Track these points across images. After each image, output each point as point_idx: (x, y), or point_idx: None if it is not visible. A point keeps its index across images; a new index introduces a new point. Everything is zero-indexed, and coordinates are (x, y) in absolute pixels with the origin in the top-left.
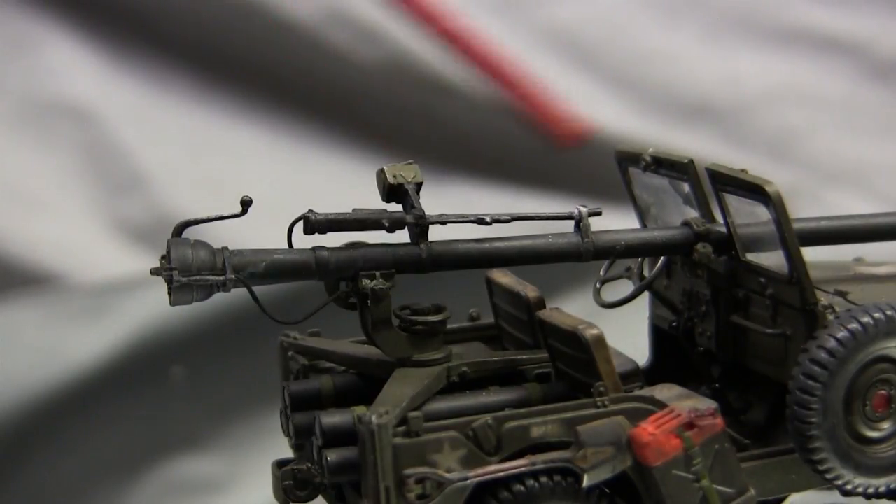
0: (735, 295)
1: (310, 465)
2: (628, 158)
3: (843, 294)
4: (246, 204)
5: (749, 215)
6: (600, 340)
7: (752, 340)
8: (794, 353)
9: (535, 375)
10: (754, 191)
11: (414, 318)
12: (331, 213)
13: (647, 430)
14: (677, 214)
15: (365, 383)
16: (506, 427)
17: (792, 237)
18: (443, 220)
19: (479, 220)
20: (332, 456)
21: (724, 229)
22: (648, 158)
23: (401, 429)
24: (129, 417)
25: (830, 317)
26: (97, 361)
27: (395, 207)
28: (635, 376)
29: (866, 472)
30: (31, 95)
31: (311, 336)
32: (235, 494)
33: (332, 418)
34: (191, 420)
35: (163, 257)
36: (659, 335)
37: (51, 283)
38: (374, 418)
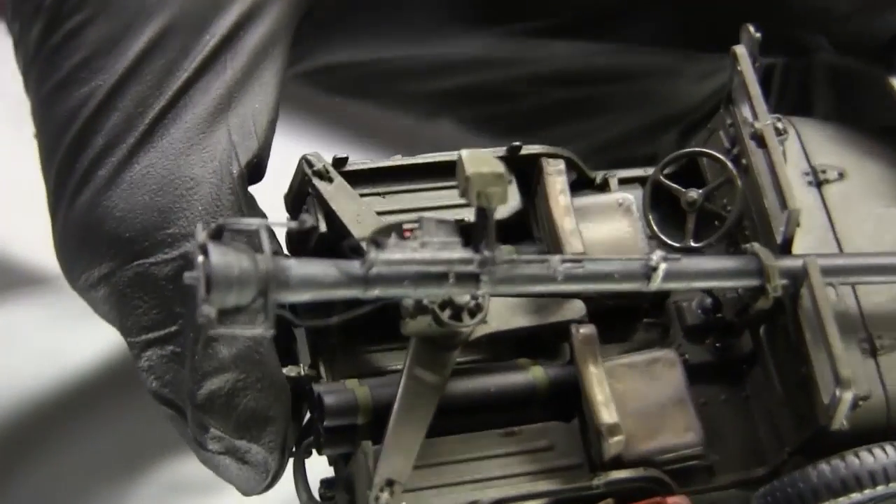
0: None
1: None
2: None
3: None
4: (303, 222)
5: None
6: None
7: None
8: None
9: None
10: None
11: (451, 322)
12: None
13: None
14: None
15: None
16: None
17: None
18: (511, 278)
19: (549, 278)
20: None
21: None
22: None
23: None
24: (129, 417)
25: None
26: (97, 361)
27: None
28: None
29: None
30: None
31: (338, 165)
32: (235, 494)
33: (333, 398)
34: None
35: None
36: None
37: (51, 283)
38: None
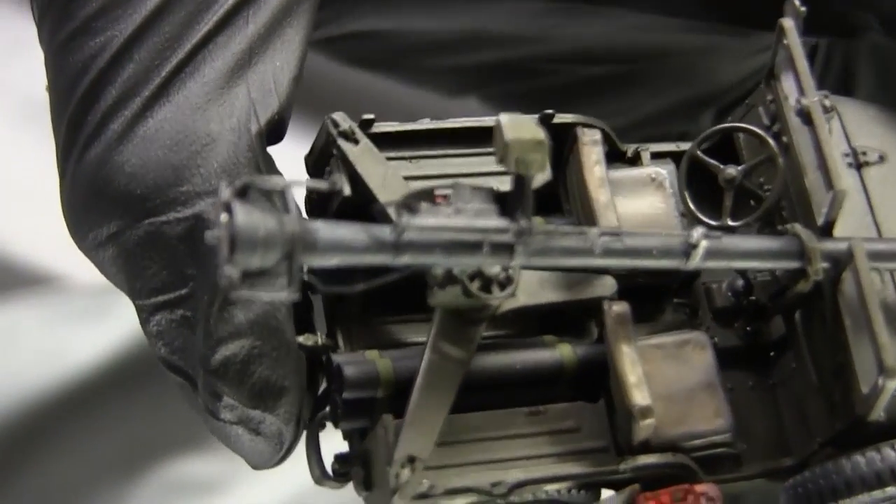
0: None
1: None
2: None
3: None
4: (334, 184)
5: None
6: None
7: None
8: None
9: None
10: None
11: (481, 294)
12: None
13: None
14: None
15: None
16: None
17: None
18: (548, 250)
19: (587, 251)
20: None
21: None
22: None
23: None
24: (129, 417)
25: None
26: (98, 361)
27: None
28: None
29: None
30: (33, 95)
31: (364, 127)
32: (235, 494)
33: (353, 369)
34: (191, 420)
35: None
36: None
37: (51, 283)
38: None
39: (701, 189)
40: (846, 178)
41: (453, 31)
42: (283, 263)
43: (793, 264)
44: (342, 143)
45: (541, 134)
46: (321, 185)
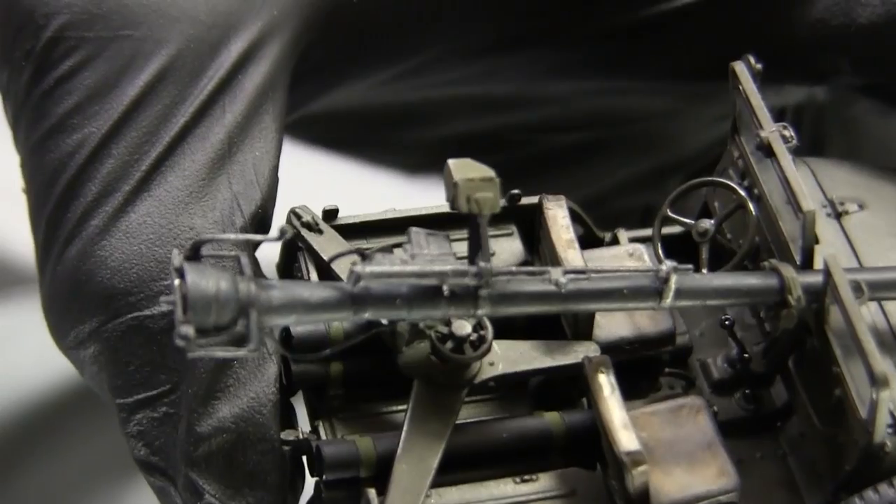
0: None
1: None
2: None
3: None
4: (283, 233)
5: None
6: None
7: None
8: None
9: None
10: None
11: (453, 356)
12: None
13: None
14: None
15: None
16: None
17: None
18: (512, 295)
19: (555, 288)
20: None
21: None
22: None
23: None
24: None
25: None
26: None
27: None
28: (665, 341)
29: None
30: None
31: (328, 218)
32: None
33: (332, 448)
34: None
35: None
36: None
37: None
38: None
39: (680, 258)
40: (825, 230)
41: (423, 102)
42: (242, 322)
43: (772, 297)
44: (306, 233)
45: (489, 172)
46: (270, 238)
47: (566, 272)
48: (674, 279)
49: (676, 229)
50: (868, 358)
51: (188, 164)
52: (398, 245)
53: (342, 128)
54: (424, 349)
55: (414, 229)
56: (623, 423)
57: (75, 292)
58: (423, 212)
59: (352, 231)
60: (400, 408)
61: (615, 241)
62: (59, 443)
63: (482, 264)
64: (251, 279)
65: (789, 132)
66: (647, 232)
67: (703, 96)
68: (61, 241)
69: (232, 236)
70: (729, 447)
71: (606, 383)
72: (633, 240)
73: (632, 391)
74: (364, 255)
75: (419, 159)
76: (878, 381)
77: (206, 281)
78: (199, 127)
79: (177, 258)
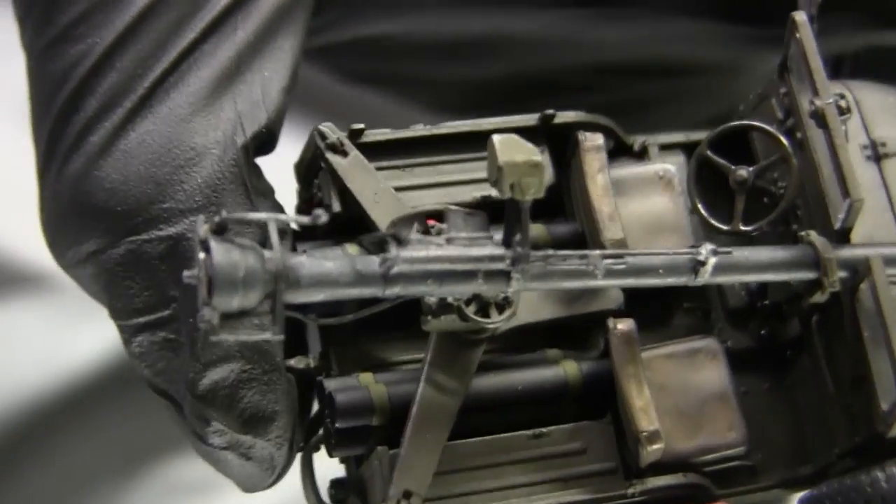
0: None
1: None
2: None
3: None
4: (317, 217)
5: None
6: None
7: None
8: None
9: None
10: None
11: (477, 319)
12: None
13: None
14: None
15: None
16: None
17: None
18: (547, 274)
19: (588, 274)
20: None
21: None
22: None
23: None
24: (128, 418)
25: None
26: (97, 362)
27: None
28: None
29: None
30: None
31: (353, 137)
32: (235, 494)
33: (345, 396)
34: None
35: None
36: None
37: (51, 283)
38: None
39: (711, 187)
40: (864, 173)
41: (463, 36)
42: (267, 302)
43: (808, 275)
44: (330, 156)
45: (537, 156)
46: (304, 219)
47: (604, 256)
48: (712, 262)
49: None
50: None
51: (193, 81)
52: (426, 164)
53: (378, 58)
54: (451, 318)
55: (452, 209)
56: (644, 404)
57: (73, 212)
58: (454, 129)
59: (378, 150)
60: (413, 335)
61: (643, 153)
62: (59, 443)
63: (519, 250)
64: (279, 256)
65: (846, 103)
66: (677, 137)
67: (761, 54)
68: (60, 157)
69: (263, 215)
70: (736, 381)
71: (630, 359)
72: (667, 146)
73: (646, 320)
74: (399, 239)
75: (453, 99)
76: None
77: (233, 260)
78: (208, 43)
79: (202, 228)
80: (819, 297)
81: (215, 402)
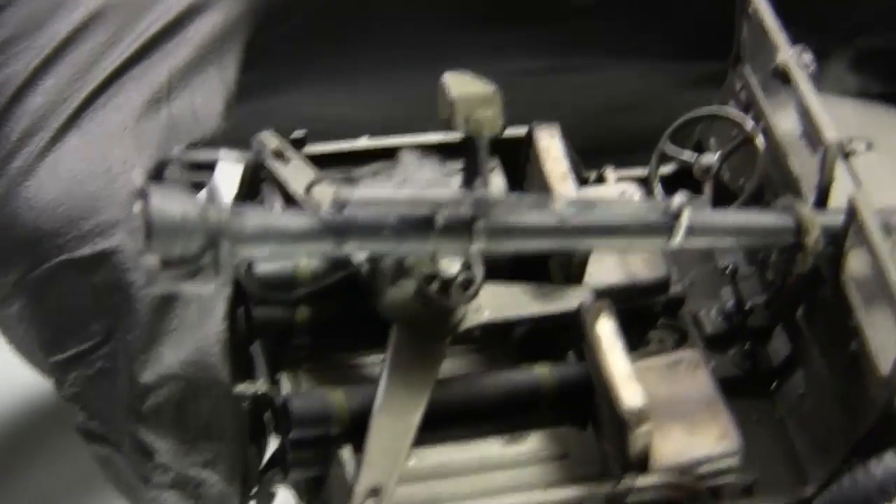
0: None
1: None
2: None
3: None
4: (259, 152)
5: None
6: None
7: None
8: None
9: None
10: None
11: (439, 297)
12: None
13: None
14: None
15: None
16: None
17: None
18: (510, 228)
19: (559, 222)
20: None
21: None
22: None
23: None
24: None
25: None
26: None
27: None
28: (660, 289)
29: None
30: None
31: (297, 146)
32: None
33: (301, 402)
34: None
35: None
36: None
37: None
38: None
39: (674, 186)
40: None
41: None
42: (210, 253)
43: (787, 238)
44: (271, 163)
45: (489, 88)
46: (248, 156)
47: (571, 203)
48: (686, 214)
49: (665, 170)
50: None
51: (123, 102)
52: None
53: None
54: (408, 288)
55: (406, 151)
56: (626, 376)
57: None
58: (399, 141)
59: (323, 162)
60: (374, 359)
61: (600, 180)
62: (59, 443)
63: (480, 192)
64: (222, 203)
65: (809, 57)
66: (636, 171)
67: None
68: None
69: (202, 154)
70: (729, 405)
71: (608, 331)
72: (622, 179)
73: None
74: (350, 180)
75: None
76: None
77: (172, 205)
78: (137, 68)
79: (139, 177)
80: (803, 265)
81: (160, 424)
